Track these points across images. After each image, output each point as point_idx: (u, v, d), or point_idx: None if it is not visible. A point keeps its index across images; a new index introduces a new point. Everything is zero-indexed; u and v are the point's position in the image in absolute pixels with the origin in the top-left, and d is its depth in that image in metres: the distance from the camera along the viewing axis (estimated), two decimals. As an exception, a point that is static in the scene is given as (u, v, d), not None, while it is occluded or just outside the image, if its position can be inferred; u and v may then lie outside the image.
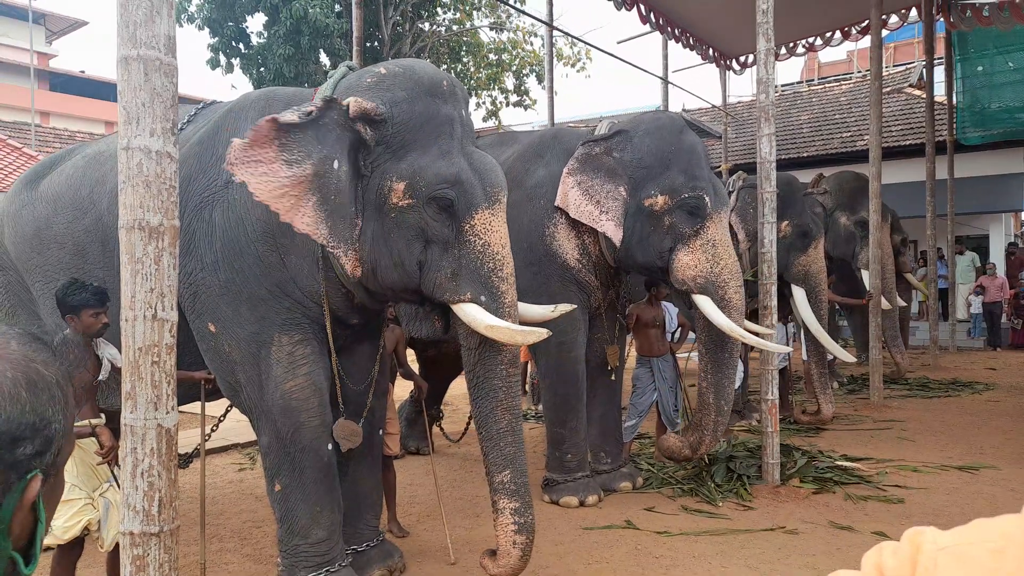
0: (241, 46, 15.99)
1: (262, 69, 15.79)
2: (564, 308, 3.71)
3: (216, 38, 15.61)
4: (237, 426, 5.86)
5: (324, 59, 16.16)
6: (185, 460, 4.04)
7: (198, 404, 3.75)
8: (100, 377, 3.23)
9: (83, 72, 30.53)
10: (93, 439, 3.08)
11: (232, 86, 24.63)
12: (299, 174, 2.87)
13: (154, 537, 1.92)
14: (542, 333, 3.19)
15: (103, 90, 27.87)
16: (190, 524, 4.04)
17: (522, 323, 3.38)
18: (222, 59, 15.95)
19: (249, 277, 3.26)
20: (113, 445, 3.08)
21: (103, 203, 3.69)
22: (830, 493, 4.97)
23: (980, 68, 12.67)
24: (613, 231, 4.60)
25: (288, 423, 3.25)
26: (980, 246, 14.85)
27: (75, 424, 2.62)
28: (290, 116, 2.85)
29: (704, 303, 4.51)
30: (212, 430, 4.05)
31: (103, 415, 3.31)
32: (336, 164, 2.97)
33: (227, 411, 4.05)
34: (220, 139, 3.38)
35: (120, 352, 2.13)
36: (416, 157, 3.08)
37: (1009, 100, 12.75)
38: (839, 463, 5.56)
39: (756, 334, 4.96)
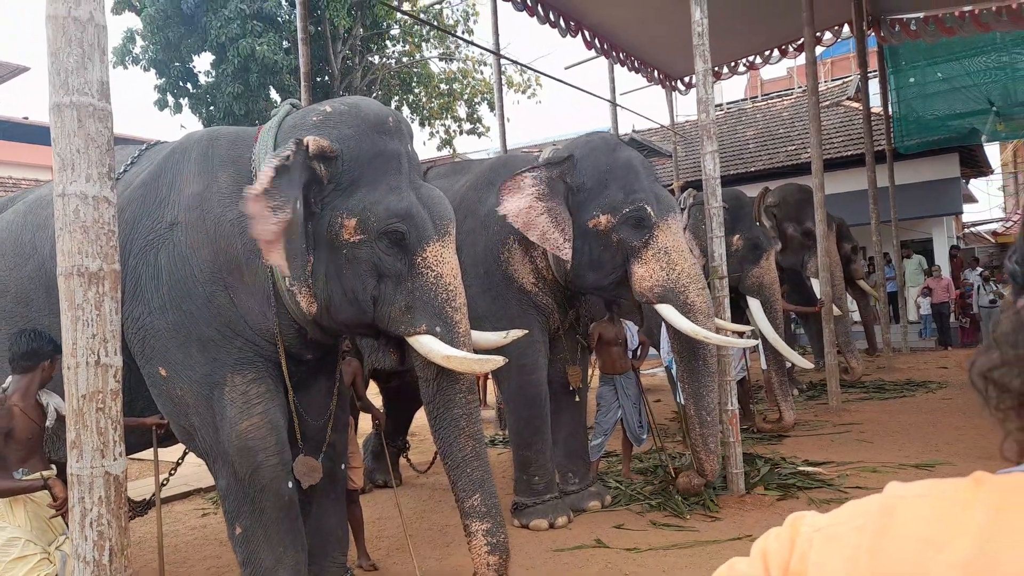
0: (189, 86, 15.86)
1: (211, 108, 15.68)
2: (516, 334, 3.73)
3: (163, 79, 15.47)
4: (199, 471, 5.73)
5: (274, 95, 16.11)
6: (142, 508, 3.93)
7: (152, 451, 3.67)
8: (47, 424, 3.15)
9: (26, 118, 29.89)
10: (46, 492, 2.99)
11: (181, 126, 24.32)
12: (283, 219, 2.87)
13: (105, 588, 1.88)
14: (498, 361, 3.23)
15: (47, 136, 27.25)
16: (150, 574, 3.92)
17: (476, 351, 3.41)
18: (170, 99, 15.79)
19: (198, 318, 3.23)
20: (66, 496, 2.99)
21: (45, 248, 3.62)
22: (794, 499, 5.04)
23: (912, 79, 13.21)
24: (569, 255, 4.60)
25: (246, 464, 3.19)
26: (925, 249, 15.32)
27: (26, 477, 2.55)
28: (265, 171, 2.87)
29: (667, 311, 4.53)
30: (169, 475, 3.96)
31: (54, 466, 3.22)
32: (297, 205, 2.98)
33: (183, 456, 3.97)
34: (163, 181, 3.36)
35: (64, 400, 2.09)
36: (365, 193, 3.11)
37: (941, 109, 13.31)
38: (801, 469, 5.65)
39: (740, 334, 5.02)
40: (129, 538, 1.98)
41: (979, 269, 12.82)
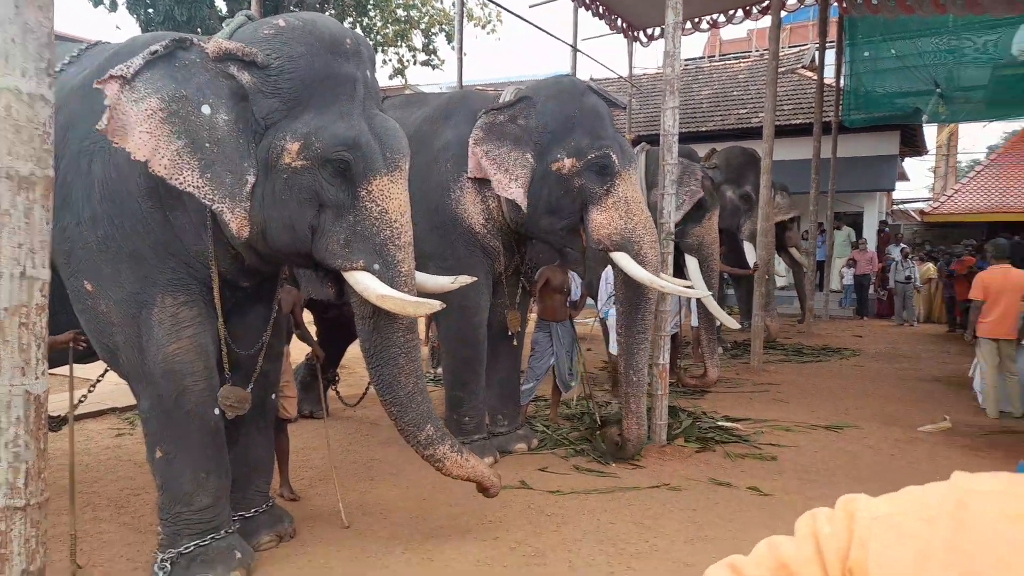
0: (126, -19, 14.82)
1: (150, 10, 14.71)
2: (464, 280, 3.67)
3: (97, -30, 14.39)
4: (115, 389, 5.57)
5: (219, 3, 15.23)
6: (56, 423, 3.79)
7: (68, 367, 3.52)
8: None
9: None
10: None
11: (117, 26, 22.81)
12: (144, 108, 2.75)
13: (19, 511, 1.81)
14: (435, 305, 3.15)
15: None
16: (59, 493, 3.81)
17: (421, 293, 3.37)
18: (105, -5, 14.73)
19: (131, 234, 3.08)
20: None
21: None
22: (711, 451, 5.27)
23: (867, 54, 13.41)
24: (522, 198, 4.57)
25: (171, 387, 3.11)
26: (856, 223, 15.88)
27: None
28: (136, 59, 2.76)
29: (622, 259, 4.56)
30: (87, 392, 3.82)
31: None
32: (207, 110, 2.86)
33: (103, 375, 3.82)
34: None
35: None
36: (313, 117, 2.97)
37: (890, 85, 13.62)
38: (720, 424, 5.90)
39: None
40: (47, 461, 1.92)
41: (901, 246, 13.39)
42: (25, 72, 1.87)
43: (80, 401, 3.67)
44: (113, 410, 6.20)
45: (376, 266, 3.09)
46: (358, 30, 17.53)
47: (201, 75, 2.89)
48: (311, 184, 2.99)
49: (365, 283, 3.07)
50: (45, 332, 1.94)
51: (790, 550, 0.67)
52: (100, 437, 5.57)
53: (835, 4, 12.30)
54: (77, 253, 3.11)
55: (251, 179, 2.97)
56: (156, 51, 2.81)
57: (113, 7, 14.87)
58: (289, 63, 2.95)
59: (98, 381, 3.85)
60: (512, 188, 4.54)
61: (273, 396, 3.83)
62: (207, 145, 2.87)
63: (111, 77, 2.73)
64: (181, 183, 2.84)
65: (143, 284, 3.11)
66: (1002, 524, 0.56)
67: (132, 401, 5.71)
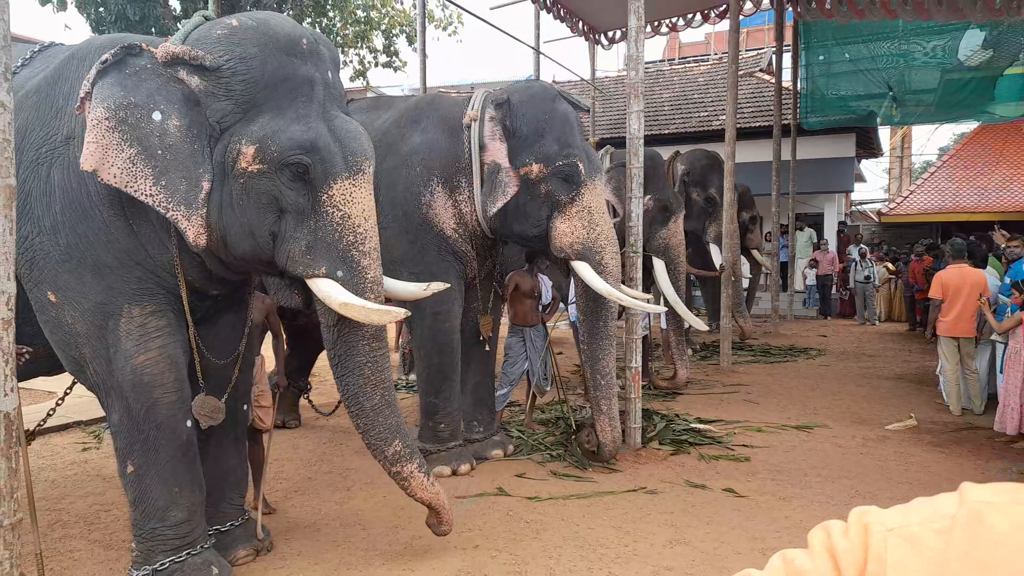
0: (76, -19, 14.40)
1: (101, 9, 14.31)
2: (437, 287, 3.61)
3: (46, -30, 13.95)
4: (80, 402, 5.38)
5: (174, 2, 14.89)
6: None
7: (36, 380, 3.39)
8: None
9: None
10: None
11: (66, 26, 22.09)
12: (92, 118, 2.71)
13: (-8, 534, 1.73)
14: (399, 313, 3.08)
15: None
16: (23, 514, 3.67)
17: (394, 300, 3.31)
18: (54, -6, 14.29)
19: (94, 243, 2.98)
20: None
21: None
22: (685, 454, 5.31)
23: (821, 57, 13.70)
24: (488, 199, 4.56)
25: (141, 400, 3.02)
26: (816, 223, 16.20)
27: None
28: (91, 72, 2.74)
29: (582, 269, 4.58)
30: (54, 407, 3.69)
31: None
32: (158, 116, 2.80)
33: (70, 387, 3.69)
34: (60, 90, 3.05)
35: None
36: (268, 120, 2.90)
37: (844, 89, 13.93)
38: (693, 425, 5.94)
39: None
40: (19, 480, 1.82)
41: (860, 246, 13.70)
42: (-14, 76, 1.78)
43: (49, 414, 3.53)
44: (79, 423, 6.00)
45: (339, 273, 3.01)
46: (317, 30, 17.34)
47: (152, 81, 2.83)
48: (269, 189, 2.93)
49: (327, 291, 2.99)
50: (13, 347, 1.85)
51: (806, 564, 0.67)
52: (66, 452, 5.38)
53: (790, 8, 12.55)
54: (39, 263, 3.00)
55: (206, 185, 2.90)
56: (106, 60, 2.75)
57: (62, 6, 14.42)
58: (241, 64, 2.88)
59: (66, 395, 3.71)
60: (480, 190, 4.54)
61: (245, 406, 3.74)
62: (159, 152, 2.80)
63: (81, 100, 2.73)
64: (135, 191, 2.78)
65: (109, 294, 3.01)
66: (1017, 535, 0.56)
67: (98, 414, 5.57)
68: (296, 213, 2.97)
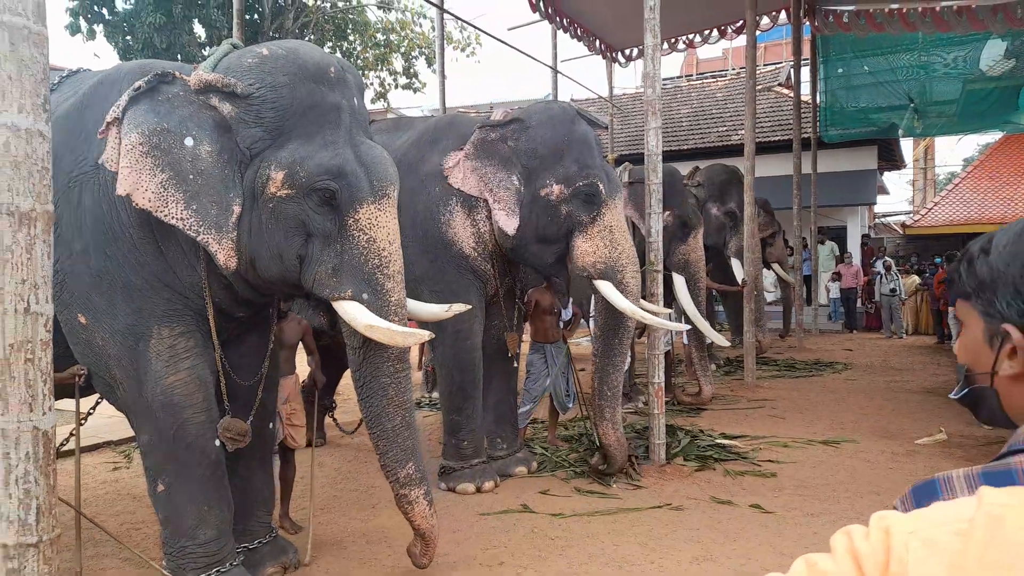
0: (105, 11, 14.80)
1: (128, 38, 14.70)
2: (458, 308, 3.61)
3: (76, 2, 14.37)
4: (109, 422, 5.46)
5: (199, 30, 15.25)
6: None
7: (67, 400, 3.45)
8: None
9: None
10: None
11: (95, 55, 22.71)
12: (126, 144, 2.79)
13: (31, 548, 1.76)
14: (423, 335, 3.13)
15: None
16: (62, 529, 3.74)
17: (416, 322, 3.34)
18: (83, 24, 14.70)
19: (124, 265, 3.05)
20: None
21: None
22: (711, 470, 5.26)
23: (840, 71, 13.68)
24: (505, 221, 4.61)
25: (171, 420, 3.07)
26: (839, 236, 16.07)
27: None
28: (123, 98, 2.82)
29: (605, 288, 4.60)
30: (78, 425, 3.74)
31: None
32: (190, 142, 2.87)
33: (96, 405, 3.75)
34: (89, 115, 3.13)
35: None
36: (297, 146, 2.97)
37: (864, 101, 13.87)
38: (718, 441, 5.90)
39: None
40: (57, 496, 1.87)
41: (884, 259, 13.56)
42: (22, 108, 1.86)
43: (70, 436, 3.59)
44: (109, 443, 6.11)
45: (365, 295, 3.04)
46: (338, 54, 17.63)
47: (184, 108, 2.90)
48: (297, 213, 2.98)
49: (352, 313, 3.03)
50: (50, 367, 1.91)
51: (829, 567, 0.68)
52: (97, 471, 5.47)
53: (807, 23, 12.56)
54: (70, 286, 3.07)
55: (237, 209, 2.96)
56: (139, 87, 2.83)
57: (91, 35, 14.84)
58: (271, 92, 2.96)
59: (90, 413, 3.77)
60: (495, 209, 4.59)
61: (271, 425, 3.79)
62: (191, 177, 2.87)
63: (107, 124, 2.80)
64: (166, 215, 2.84)
65: (139, 316, 3.07)
66: None
67: (128, 434, 5.63)
68: (323, 237, 3.02)
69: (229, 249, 2.95)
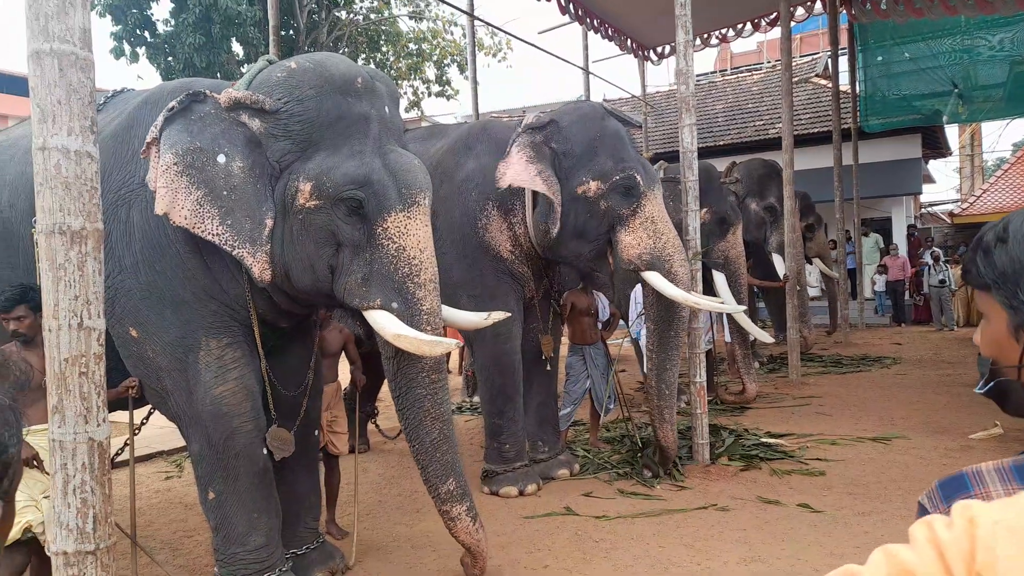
0: (147, 34, 15.23)
1: (170, 59, 15.10)
2: (497, 316, 3.55)
3: (119, 26, 14.81)
4: (160, 433, 5.64)
5: (237, 48, 15.59)
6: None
7: (121, 412, 3.57)
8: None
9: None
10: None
11: (139, 76, 23.39)
12: (161, 164, 2.87)
13: (90, 555, 1.83)
14: (450, 344, 3.06)
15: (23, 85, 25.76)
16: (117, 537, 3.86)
17: (458, 330, 3.33)
18: (126, 48, 15.15)
19: (172, 279, 3.14)
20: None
21: (2, 197, 3.48)
22: (756, 469, 5.18)
23: (880, 58, 13.35)
24: (556, 220, 4.57)
25: (220, 429, 3.14)
26: (884, 228, 15.69)
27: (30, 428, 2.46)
28: (159, 119, 2.90)
29: (654, 278, 4.56)
30: (131, 435, 3.86)
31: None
32: (223, 159, 2.93)
33: (148, 416, 3.86)
34: (135, 133, 3.23)
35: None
36: (324, 157, 3.01)
37: (906, 89, 13.52)
38: (764, 440, 5.80)
39: None
40: (113, 505, 1.94)
41: (932, 249, 13.19)
42: (71, 131, 1.93)
43: (124, 445, 3.71)
44: (160, 453, 6.27)
45: (395, 304, 3.04)
46: (372, 65, 17.85)
47: (216, 126, 2.96)
48: (326, 224, 3.02)
49: (382, 323, 3.03)
50: (104, 380, 1.98)
51: (911, 557, 0.67)
52: (149, 481, 5.63)
53: (844, 11, 12.30)
54: (120, 300, 3.17)
55: (269, 222, 3.02)
56: (172, 107, 2.91)
57: (134, 58, 15.28)
58: (299, 106, 3.01)
59: (143, 424, 3.89)
60: (556, 211, 4.54)
61: (316, 432, 3.85)
62: (225, 193, 2.93)
63: (147, 144, 2.89)
64: (203, 231, 2.90)
65: (187, 328, 3.16)
66: None
67: (179, 444, 5.78)
68: (352, 246, 3.05)
69: (264, 262, 3.00)
